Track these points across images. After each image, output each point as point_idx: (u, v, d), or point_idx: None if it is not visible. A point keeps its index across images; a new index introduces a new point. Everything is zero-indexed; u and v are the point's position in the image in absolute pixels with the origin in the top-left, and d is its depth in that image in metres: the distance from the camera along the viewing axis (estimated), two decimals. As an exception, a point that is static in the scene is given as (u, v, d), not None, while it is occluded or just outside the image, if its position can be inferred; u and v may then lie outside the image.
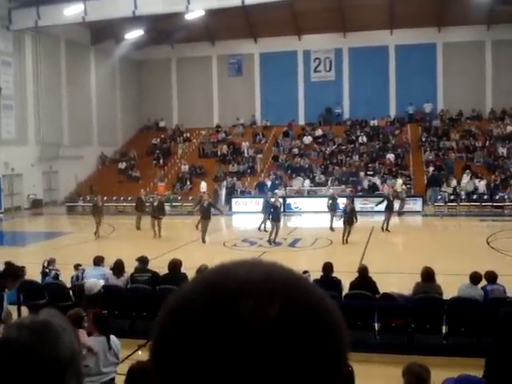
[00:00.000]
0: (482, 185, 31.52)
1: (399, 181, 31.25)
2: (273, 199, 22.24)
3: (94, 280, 9.48)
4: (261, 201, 30.80)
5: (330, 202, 24.18)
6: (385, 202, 24.20)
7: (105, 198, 33.31)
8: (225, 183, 35.74)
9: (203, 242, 21.38)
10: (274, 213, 21.23)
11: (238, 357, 0.68)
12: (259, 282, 0.75)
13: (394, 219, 25.18)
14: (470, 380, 4.07)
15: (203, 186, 33.01)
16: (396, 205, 25.65)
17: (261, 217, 23.91)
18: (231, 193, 34.42)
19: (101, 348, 6.81)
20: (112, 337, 7.12)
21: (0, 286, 12.88)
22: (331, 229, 23.37)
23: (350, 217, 20.94)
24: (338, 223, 22.11)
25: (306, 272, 9.83)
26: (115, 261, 11.91)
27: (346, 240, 20.79)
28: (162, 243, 21.49)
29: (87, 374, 6.36)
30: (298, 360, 0.70)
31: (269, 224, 22.16)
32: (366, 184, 33.77)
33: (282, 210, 21.94)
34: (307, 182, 35.11)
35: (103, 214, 24.40)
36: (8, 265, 9.88)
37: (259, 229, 23.64)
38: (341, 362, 0.75)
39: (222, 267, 0.80)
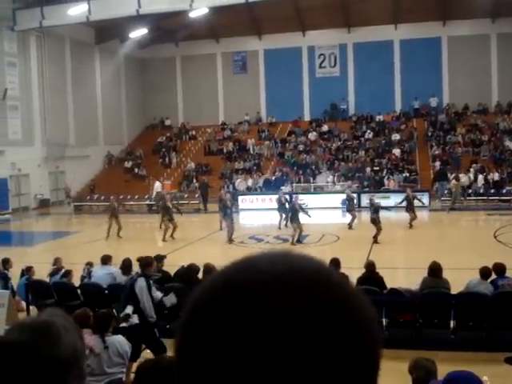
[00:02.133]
0: (479, 180, 31.44)
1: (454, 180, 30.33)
2: (292, 200, 22.39)
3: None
4: (267, 198, 30.99)
5: (348, 203, 24.01)
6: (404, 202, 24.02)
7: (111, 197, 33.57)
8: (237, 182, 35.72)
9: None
10: (293, 215, 20.91)
11: (257, 356, 0.66)
12: (284, 277, 0.72)
13: (400, 215, 25.10)
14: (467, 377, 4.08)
15: (157, 186, 32.40)
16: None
17: (276, 216, 23.93)
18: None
19: (102, 348, 6.82)
20: (118, 337, 7.10)
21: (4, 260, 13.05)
22: (350, 227, 23.30)
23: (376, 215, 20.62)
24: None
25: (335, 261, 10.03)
26: (123, 259, 11.94)
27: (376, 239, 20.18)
28: (169, 242, 21.53)
29: (90, 373, 6.36)
30: (320, 359, 0.67)
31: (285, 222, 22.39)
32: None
33: (301, 211, 21.48)
34: (330, 177, 34.96)
35: (118, 215, 24.03)
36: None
37: (279, 228, 23.56)
38: (372, 360, 0.73)
39: (243, 261, 0.77)
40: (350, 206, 23.90)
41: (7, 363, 1.30)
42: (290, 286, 0.71)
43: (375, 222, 20.44)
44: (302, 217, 20.84)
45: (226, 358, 0.68)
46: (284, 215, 23.33)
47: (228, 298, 0.71)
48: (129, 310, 8.73)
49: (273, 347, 0.67)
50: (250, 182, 35.65)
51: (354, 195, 25.42)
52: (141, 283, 8.85)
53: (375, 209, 20.79)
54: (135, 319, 8.72)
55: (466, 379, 4.00)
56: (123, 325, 8.58)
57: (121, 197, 33.56)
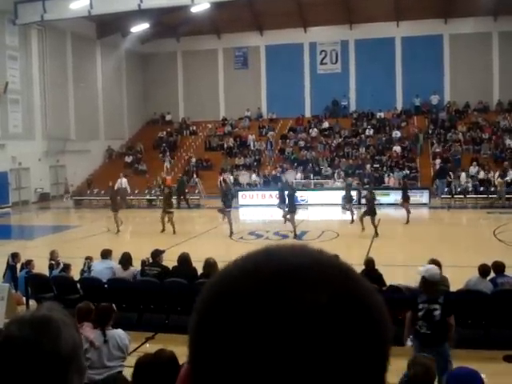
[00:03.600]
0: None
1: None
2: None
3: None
4: (267, 194, 31.03)
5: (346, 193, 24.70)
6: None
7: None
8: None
9: (295, 236, 20.64)
10: (289, 201, 21.15)
11: (283, 340, 0.67)
12: (307, 268, 0.73)
13: (401, 212, 25.15)
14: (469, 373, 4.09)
15: (124, 181, 32.40)
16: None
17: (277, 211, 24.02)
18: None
19: (102, 341, 6.83)
20: (118, 331, 7.10)
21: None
22: (352, 221, 23.65)
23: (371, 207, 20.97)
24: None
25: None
26: (122, 254, 11.95)
27: (376, 232, 20.55)
28: (169, 237, 21.53)
29: (90, 367, 6.38)
30: (343, 348, 0.68)
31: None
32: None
33: (295, 198, 21.85)
34: (299, 175, 35.13)
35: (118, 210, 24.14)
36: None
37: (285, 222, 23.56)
38: (385, 354, 0.73)
39: (267, 250, 0.78)
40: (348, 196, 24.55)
41: (9, 358, 1.30)
42: (316, 276, 0.72)
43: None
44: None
45: (243, 346, 0.68)
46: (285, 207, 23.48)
47: (256, 281, 0.71)
48: None
49: (301, 331, 0.67)
50: (254, 177, 35.66)
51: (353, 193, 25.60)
52: None
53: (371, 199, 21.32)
54: None
55: (470, 376, 4.00)
56: None
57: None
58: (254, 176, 35.79)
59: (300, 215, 26.53)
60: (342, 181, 33.08)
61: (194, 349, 0.74)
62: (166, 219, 22.71)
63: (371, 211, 20.87)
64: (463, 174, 31.69)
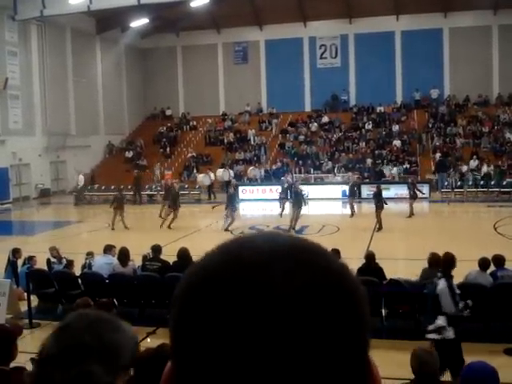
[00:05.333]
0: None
1: None
2: (296, 183, 23.52)
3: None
4: (267, 188, 31.12)
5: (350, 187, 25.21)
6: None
7: (112, 187, 33.60)
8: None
9: (293, 228, 20.95)
10: (295, 198, 21.65)
11: (265, 321, 0.67)
12: (285, 250, 0.74)
13: (401, 205, 25.18)
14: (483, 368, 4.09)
15: (80, 178, 32.57)
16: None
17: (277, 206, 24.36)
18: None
19: None
20: None
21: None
22: (352, 215, 24.20)
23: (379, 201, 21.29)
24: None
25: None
26: (120, 249, 11.97)
27: (380, 226, 20.87)
28: (169, 232, 21.56)
29: None
30: (324, 326, 0.69)
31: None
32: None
33: (304, 196, 22.37)
34: (262, 171, 35.35)
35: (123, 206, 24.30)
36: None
37: (280, 215, 24.28)
38: (365, 333, 0.74)
39: (242, 237, 0.78)
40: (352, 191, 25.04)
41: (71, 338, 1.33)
42: (295, 257, 0.73)
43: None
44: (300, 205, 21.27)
45: (226, 332, 0.68)
46: (283, 203, 23.93)
47: (234, 265, 0.72)
48: (441, 321, 7.63)
49: (283, 311, 0.67)
50: (262, 171, 35.71)
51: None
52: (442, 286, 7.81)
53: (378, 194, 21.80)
54: (450, 333, 7.61)
55: (485, 372, 4.01)
56: (433, 336, 7.62)
57: (121, 186, 33.67)
58: (261, 171, 35.72)
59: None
60: (342, 175, 33.19)
61: (174, 344, 0.74)
62: (167, 214, 23.17)
63: (379, 205, 21.15)
64: (465, 168, 31.68)
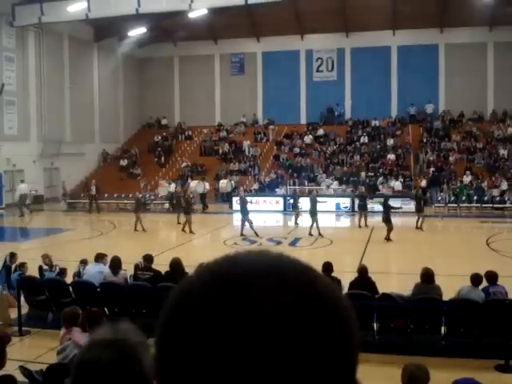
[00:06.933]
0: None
1: None
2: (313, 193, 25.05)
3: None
4: (261, 199, 31.22)
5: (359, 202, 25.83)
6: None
7: (105, 195, 33.58)
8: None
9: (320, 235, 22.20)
10: (311, 207, 22.71)
11: (248, 341, 0.67)
12: (269, 269, 0.74)
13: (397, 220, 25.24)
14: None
15: (23, 187, 31.67)
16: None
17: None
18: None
19: None
20: None
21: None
22: (360, 226, 24.78)
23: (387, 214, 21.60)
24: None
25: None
26: (111, 258, 11.91)
27: (389, 237, 21.08)
28: (162, 241, 21.53)
29: None
30: (309, 346, 0.69)
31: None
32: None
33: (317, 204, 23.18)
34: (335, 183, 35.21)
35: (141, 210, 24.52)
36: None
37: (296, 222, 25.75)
38: (350, 352, 0.73)
39: (227, 257, 0.78)
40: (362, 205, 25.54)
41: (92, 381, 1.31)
42: (276, 279, 0.73)
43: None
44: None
45: (217, 343, 0.68)
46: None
47: (216, 286, 0.72)
48: None
49: (266, 331, 0.67)
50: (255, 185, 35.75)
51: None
52: None
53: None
54: None
55: None
56: None
57: (115, 195, 33.65)
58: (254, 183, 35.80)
59: (293, 221, 26.61)
60: (336, 188, 33.25)
61: (158, 353, 0.75)
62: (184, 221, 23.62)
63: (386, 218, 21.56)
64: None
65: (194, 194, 32.84)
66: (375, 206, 26.76)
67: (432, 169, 34.79)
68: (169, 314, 0.75)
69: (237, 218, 29.42)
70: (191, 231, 23.04)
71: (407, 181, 34.38)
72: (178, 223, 24.71)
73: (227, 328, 0.68)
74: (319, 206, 23.29)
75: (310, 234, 22.24)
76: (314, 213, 22.46)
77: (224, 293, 0.71)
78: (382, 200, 24.75)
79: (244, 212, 22.67)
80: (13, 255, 13.52)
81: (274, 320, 0.68)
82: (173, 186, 33.23)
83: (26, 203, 31.35)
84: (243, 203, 23.01)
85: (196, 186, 32.59)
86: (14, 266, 13.26)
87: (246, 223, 22.27)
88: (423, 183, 32.41)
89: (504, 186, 31.19)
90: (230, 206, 31.78)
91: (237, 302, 0.69)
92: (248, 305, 0.69)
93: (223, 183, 34.03)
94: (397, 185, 33.32)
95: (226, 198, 33.47)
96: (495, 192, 31.01)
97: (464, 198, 30.60)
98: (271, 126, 42.53)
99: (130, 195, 31.38)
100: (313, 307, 0.71)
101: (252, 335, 0.67)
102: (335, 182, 34.59)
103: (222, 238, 22.45)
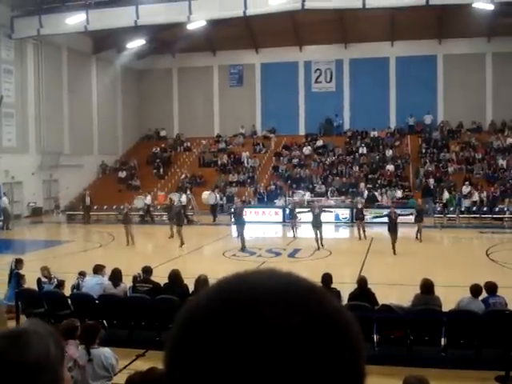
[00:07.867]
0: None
1: None
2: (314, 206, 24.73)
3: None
4: (260, 211, 31.18)
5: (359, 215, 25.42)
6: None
7: (105, 207, 33.56)
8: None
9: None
10: (313, 219, 22.45)
11: (256, 364, 0.67)
12: (278, 291, 0.74)
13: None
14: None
15: (4, 200, 31.34)
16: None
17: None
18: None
19: (86, 360, 6.66)
20: (104, 349, 6.89)
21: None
22: (360, 238, 24.39)
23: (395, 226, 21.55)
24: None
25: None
26: (112, 270, 11.87)
27: (394, 251, 20.98)
28: (161, 253, 21.45)
29: None
30: (317, 368, 0.69)
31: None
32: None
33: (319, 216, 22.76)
34: (308, 194, 34.98)
35: (131, 223, 24.36)
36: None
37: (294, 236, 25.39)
38: (360, 372, 0.74)
39: (237, 276, 0.78)
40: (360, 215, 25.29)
41: None
42: (287, 299, 0.73)
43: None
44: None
45: (225, 365, 0.68)
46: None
47: (226, 308, 0.72)
48: None
49: (274, 353, 0.68)
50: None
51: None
52: None
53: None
54: None
55: None
56: None
57: (114, 207, 33.59)
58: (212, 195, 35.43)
59: (293, 233, 26.57)
60: (335, 199, 33.26)
61: (168, 373, 0.74)
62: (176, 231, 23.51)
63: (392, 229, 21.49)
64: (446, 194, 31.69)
65: (193, 205, 32.86)
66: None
67: (431, 179, 34.77)
68: (178, 339, 0.74)
69: (235, 228, 29.47)
70: (182, 243, 22.79)
71: (406, 191, 34.39)
72: (171, 237, 24.61)
73: (235, 352, 0.68)
74: (323, 217, 23.03)
75: (322, 246, 22.03)
76: (317, 225, 22.25)
77: (232, 316, 0.71)
78: (382, 212, 24.80)
79: (239, 223, 22.53)
80: (19, 261, 13.45)
81: (283, 344, 0.69)
82: (149, 198, 33.20)
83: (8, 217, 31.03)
84: (239, 214, 22.88)
85: (208, 196, 32.51)
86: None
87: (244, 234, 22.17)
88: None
89: (475, 197, 31.75)
90: (214, 219, 31.68)
91: (244, 326, 0.70)
92: (258, 328, 0.69)
93: (205, 194, 33.21)
94: (397, 194, 33.39)
95: (210, 210, 32.62)
96: (467, 203, 31.46)
97: (452, 208, 30.67)
98: (271, 135, 42.60)
99: (114, 207, 31.54)
100: (322, 330, 0.72)
101: (260, 360, 0.68)
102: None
103: (221, 249, 22.35)
